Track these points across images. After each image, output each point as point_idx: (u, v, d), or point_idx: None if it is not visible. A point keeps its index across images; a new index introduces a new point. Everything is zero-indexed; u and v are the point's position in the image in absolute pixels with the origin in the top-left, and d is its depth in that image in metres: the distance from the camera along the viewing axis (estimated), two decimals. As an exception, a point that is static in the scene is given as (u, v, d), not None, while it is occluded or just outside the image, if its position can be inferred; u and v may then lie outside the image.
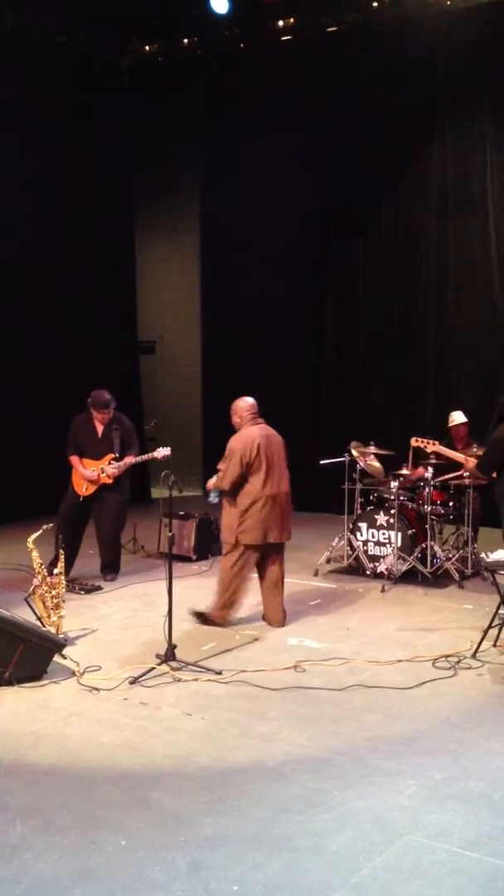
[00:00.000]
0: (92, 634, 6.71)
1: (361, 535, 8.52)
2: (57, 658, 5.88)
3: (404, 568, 8.10)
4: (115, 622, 7.07)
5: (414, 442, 8.04)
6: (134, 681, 5.68)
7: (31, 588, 6.51)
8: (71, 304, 11.54)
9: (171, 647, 5.91)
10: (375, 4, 10.86)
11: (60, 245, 11.32)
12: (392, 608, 7.50)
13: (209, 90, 12.39)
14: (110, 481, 8.11)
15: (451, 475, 8.20)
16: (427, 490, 8.15)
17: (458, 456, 7.88)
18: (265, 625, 6.95)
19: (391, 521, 8.25)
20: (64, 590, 6.65)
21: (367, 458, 8.73)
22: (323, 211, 11.76)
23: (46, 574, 6.58)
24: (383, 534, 8.37)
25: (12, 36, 10.59)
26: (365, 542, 8.49)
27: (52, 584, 6.51)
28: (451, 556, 8.24)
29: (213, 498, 7.10)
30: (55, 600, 6.49)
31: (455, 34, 10.48)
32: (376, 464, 8.83)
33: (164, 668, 5.84)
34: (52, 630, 6.28)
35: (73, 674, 5.82)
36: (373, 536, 8.45)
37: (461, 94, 10.66)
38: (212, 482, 7.03)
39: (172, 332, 13.97)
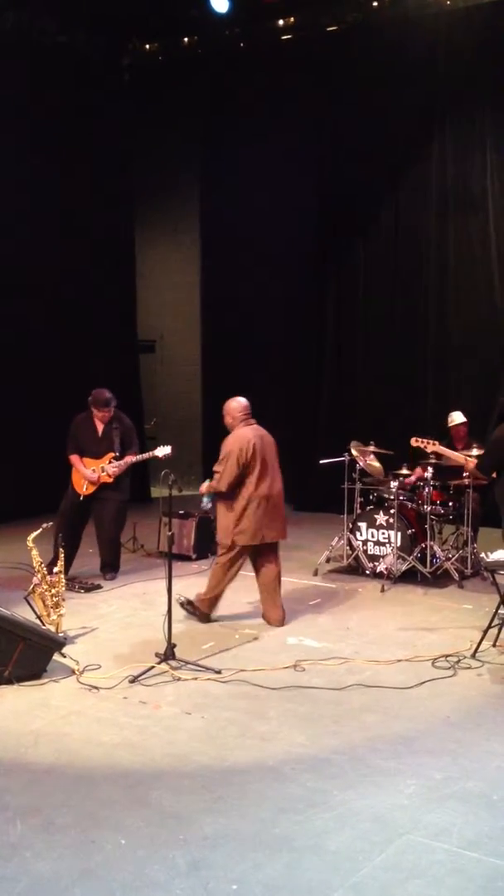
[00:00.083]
0: (91, 633, 6.72)
1: (361, 534, 8.52)
2: (56, 657, 5.89)
3: (404, 568, 8.10)
4: (114, 621, 7.07)
5: (414, 442, 8.03)
6: (133, 680, 5.68)
7: (31, 587, 6.51)
8: (71, 304, 11.53)
9: (171, 646, 5.91)
10: (375, 4, 10.84)
11: (60, 245, 11.32)
12: (392, 608, 7.49)
13: (209, 90, 12.39)
14: (110, 480, 8.11)
15: (454, 481, 8.21)
16: (427, 490, 8.16)
17: (458, 456, 7.88)
18: (264, 624, 6.95)
19: (391, 520, 8.25)
20: (64, 588, 6.65)
21: (367, 457, 8.73)
22: (323, 211, 11.75)
23: (46, 573, 6.59)
24: (383, 533, 8.37)
25: (12, 36, 10.58)
26: (364, 542, 8.48)
27: (52, 582, 6.52)
28: (450, 555, 8.24)
29: (207, 503, 7.05)
30: (55, 599, 6.50)
31: (455, 34, 10.47)
32: (376, 463, 8.83)
33: (164, 667, 5.84)
34: (52, 629, 6.28)
35: (73, 672, 5.82)
36: (372, 536, 8.45)
37: (461, 94, 10.66)
38: (204, 486, 6.99)
39: (172, 331, 13.96)
